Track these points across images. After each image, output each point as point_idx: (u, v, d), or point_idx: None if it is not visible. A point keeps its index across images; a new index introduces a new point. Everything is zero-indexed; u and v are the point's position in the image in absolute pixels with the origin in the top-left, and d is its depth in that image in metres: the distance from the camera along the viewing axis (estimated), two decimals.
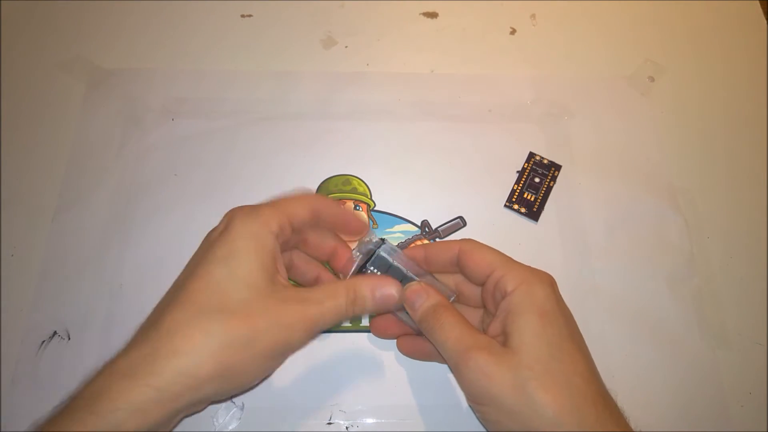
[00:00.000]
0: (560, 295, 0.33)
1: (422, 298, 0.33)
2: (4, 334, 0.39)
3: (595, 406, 0.30)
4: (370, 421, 0.38)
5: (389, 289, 0.33)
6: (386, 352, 0.39)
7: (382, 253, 0.35)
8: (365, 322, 0.40)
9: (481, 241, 0.35)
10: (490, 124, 0.48)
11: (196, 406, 0.29)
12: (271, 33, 0.52)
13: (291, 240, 0.34)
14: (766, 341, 0.41)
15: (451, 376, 0.39)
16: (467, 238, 0.36)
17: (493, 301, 0.34)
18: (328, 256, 0.37)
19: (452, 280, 0.37)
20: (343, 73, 0.50)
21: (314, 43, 0.51)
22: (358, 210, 0.44)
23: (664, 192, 0.46)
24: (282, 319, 0.30)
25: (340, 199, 0.44)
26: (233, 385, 0.30)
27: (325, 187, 0.45)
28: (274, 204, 0.32)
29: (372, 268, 0.35)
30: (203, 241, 0.33)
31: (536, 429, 0.29)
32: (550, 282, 0.33)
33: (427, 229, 0.43)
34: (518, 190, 0.45)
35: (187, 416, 0.30)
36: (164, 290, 0.40)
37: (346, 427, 0.37)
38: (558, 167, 0.46)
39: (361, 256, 0.35)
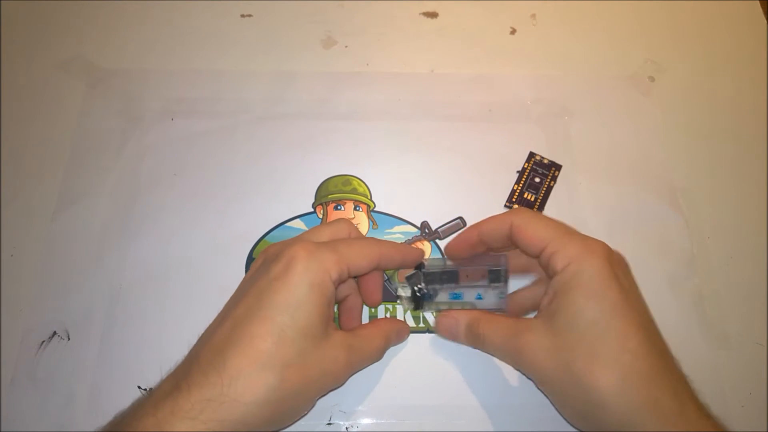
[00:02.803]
0: (617, 268, 0.32)
1: (453, 326, 0.37)
2: (4, 334, 0.39)
3: (649, 383, 0.29)
4: (369, 421, 0.38)
5: (404, 331, 0.39)
6: (386, 353, 0.39)
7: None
8: None
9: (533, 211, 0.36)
10: (490, 124, 0.48)
11: None
12: (270, 33, 0.52)
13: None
14: (766, 341, 0.41)
15: (449, 376, 0.39)
16: (520, 207, 0.36)
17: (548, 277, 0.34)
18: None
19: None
20: (343, 73, 0.50)
21: (314, 43, 0.51)
22: (358, 210, 0.44)
23: (664, 192, 0.46)
24: (331, 369, 0.32)
25: (339, 200, 0.44)
26: (280, 425, 0.32)
27: (325, 187, 0.45)
28: (336, 248, 0.33)
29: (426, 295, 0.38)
30: (258, 273, 0.33)
31: (584, 408, 0.30)
32: (603, 255, 0.31)
33: (426, 230, 0.43)
34: (518, 190, 0.45)
35: None
36: (164, 290, 0.41)
37: (346, 428, 0.37)
38: (558, 167, 0.46)
39: (408, 297, 0.39)
